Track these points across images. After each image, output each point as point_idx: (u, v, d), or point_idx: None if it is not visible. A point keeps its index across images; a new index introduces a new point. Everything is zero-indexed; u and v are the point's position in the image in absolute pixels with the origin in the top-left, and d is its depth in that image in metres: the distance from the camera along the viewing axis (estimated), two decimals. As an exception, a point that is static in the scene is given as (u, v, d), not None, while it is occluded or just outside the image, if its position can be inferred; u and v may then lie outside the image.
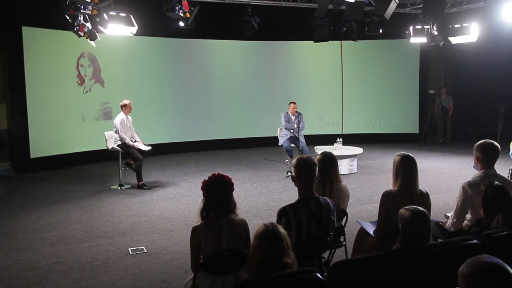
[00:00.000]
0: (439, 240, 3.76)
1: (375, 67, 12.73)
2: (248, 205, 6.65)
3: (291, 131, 8.71)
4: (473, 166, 3.87)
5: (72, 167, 9.51)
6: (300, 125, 8.62)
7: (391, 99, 12.79)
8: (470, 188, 3.60)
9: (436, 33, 9.63)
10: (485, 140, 3.78)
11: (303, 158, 3.19)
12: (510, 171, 6.50)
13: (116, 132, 7.61)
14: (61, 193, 7.50)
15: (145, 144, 7.85)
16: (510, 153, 6.66)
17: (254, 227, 2.52)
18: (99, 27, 7.81)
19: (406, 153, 3.59)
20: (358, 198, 7.00)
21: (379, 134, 12.74)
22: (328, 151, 4.13)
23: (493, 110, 11.58)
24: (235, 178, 3.21)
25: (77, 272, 4.38)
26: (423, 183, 3.61)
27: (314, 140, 10.60)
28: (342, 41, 12.20)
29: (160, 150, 9.99)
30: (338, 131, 12.53)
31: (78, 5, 7.05)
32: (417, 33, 9.77)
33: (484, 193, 3.21)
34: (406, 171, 3.49)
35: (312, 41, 11.10)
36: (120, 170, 7.83)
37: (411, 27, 9.84)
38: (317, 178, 3.28)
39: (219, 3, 9.75)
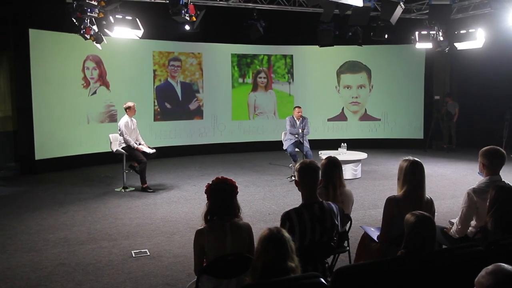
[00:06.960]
0: (444, 247, 3.74)
1: (380, 72, 12.71)
2: (251, 209, 6.64)
3: (296, 135, 8.70)
4: (478, 173, 3.84)
5: (77, 169, 9.55)
6: (304, 130, 8.60)
7: (396, 104, 12.76)
8: (475, 194, 3.58)
9: (441, 38, 9.64)
10: (491, 146, 3.75)
11: (306, 162, 3.17)
12: None
13: (121, 134, 7.63)
14: (65, 194, 7.52)
15: (149, 147, 7.86)
16: None
17: (257, 231, 2.51)
18: (105, 30, 7.86)
19: (414, 158, 3.49)
20: (362, 203, 6.98)
21: (383, 140, 12.70)
22: (332, 155, 4.10)
23: (499, 116, 11.54)
24: (239, 182, 3.20)
25: (80, 274, 4.38)
26: (428, 189, 3.57)
27: (319, 144, 10.59)
28: (348, 46, 12.19)
29: (165, 153, 10.00)
30: (342, 136, 12.49)
31: (85, 8, 7.08)
32: (422, 38, 9.78)
33: (494, 195, 3.15)
34: (414, 177, 3.41)
35: (317, 46, 11.11)
36: (124, 173, 7.84)
37: (416, 33, 9.85)
38: (321, 183, 3.25)
39: (225, 7, 9.78)
